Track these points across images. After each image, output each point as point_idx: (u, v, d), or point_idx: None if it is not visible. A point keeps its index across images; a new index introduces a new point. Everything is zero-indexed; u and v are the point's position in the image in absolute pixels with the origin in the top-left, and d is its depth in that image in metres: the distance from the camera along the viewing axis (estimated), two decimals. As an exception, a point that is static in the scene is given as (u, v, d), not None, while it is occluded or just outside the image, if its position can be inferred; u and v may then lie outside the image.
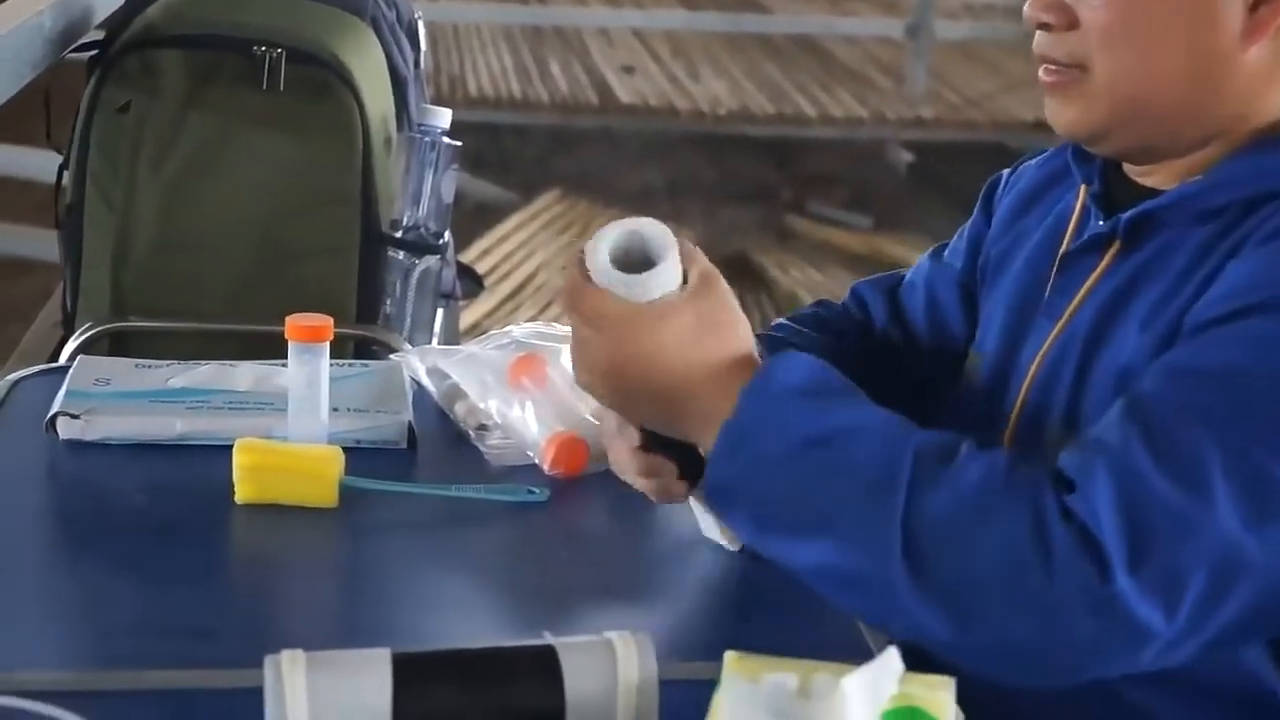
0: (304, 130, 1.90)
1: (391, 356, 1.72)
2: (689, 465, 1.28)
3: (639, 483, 1.34)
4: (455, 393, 1.65)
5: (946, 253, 1.58)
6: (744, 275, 5.12)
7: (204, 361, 1.67)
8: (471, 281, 2.35)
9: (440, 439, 1.62)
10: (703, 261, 1.26)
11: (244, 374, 1.65)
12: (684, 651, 1.21)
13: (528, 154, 6.49)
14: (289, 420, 1.53)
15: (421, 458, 1.59)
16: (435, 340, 2.07)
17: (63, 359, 1.86)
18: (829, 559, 1.15)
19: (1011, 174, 1.55)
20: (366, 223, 1.92)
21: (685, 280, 1.23)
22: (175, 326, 1.90)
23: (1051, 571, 1.08)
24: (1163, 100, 1.29)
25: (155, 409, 1.58)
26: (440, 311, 2.18)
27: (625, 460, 1.34)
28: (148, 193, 1.89)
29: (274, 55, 1.86)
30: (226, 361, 1.67)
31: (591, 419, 1.53)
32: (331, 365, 1.66)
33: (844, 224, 6.01)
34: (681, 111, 6.75)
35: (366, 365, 1.71)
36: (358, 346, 1.93)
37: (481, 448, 1.58)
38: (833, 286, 5.01)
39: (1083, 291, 1.35)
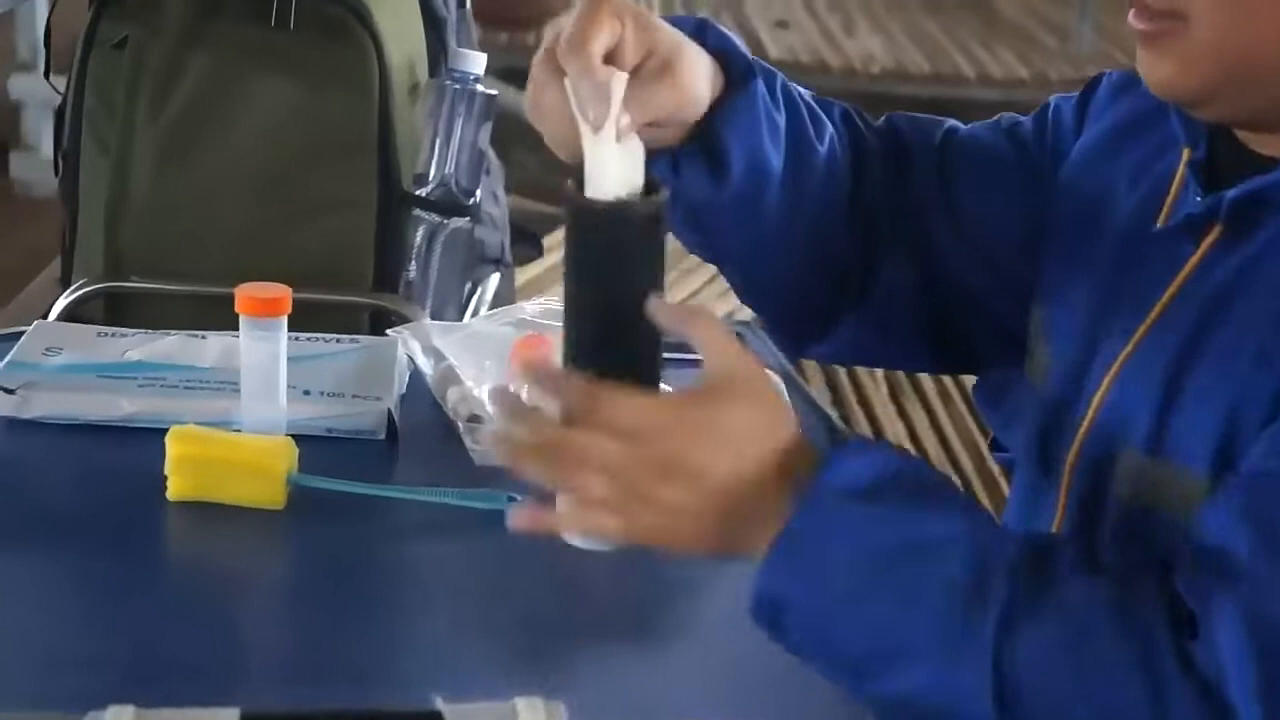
0: (314, 72, 1.68)
1: (389, 331, 1.51)
2: None
3: None
4: (449, 377, 1.45)
5: (1020, 127, 1.30)
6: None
7: (171, 332, 1.48)
8: (528, 245, 2.14)
9: (427, 431, 1.42)
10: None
11: (212, 347, 1.46)
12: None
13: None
14: (241, 405, 1.33)
15: (402, 452, 1.39)
16: (479, 314, 1.85)
17: (51, 320, 1.68)
18: (901, 690, 0.97)
19: (1116, 86, 1.27)
20: (384, 177, 1.71)
21: None
22: (172, 289, 1.71)
23: None
24: (1274, 63, 1.04)
25: (102, 385, 1.40)
26: (494, 278, 1.97)
27: None
28: (145, 139, 1.70)
29: (284, -12, 1.67)
30: (196, 332, 1.48)
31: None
32: (316, 340, 1.47)
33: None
34: (833, 68, 6.48)
35: (356, 341, 1.51)
36: (373, 318, 1.72)
37: (468, 442, 1.37)
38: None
39: (1174, 286, 1.10)
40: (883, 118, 1.33)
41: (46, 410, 1.38)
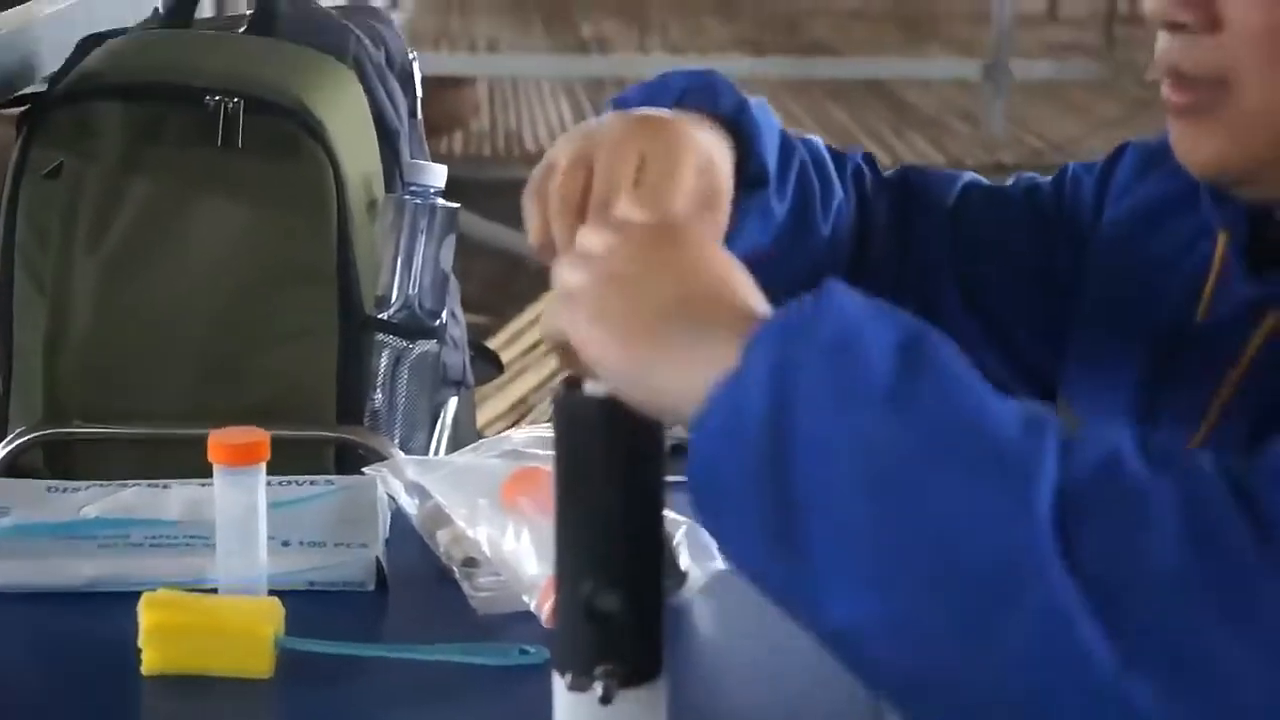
0: (267, 194, 1.57)
1: (365, 470, 1.40)
2: None
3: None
4: (438, 517, 1.33)
5: (1042, 194, 1.22)
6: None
7: (130, 483, 1.35)
8: (488, 364, 2.02)
9: (419, 578, 1.29)
10: None
11: (175, 498, 1.33)
12: None
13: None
14: (217, 563, 1.20)
15: (393, 604, 1.27)
16: (441, 441, 1.74)
17: (-11, 473, 1.55)
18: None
19: (1138, 160, 1.18)
20: (345, 302, 1.59)
21: None
22: (119, 433, 1.58)
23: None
24: None
25: (60, 548, 1.27)
26: (453, 402, 1.85)
27: None
28: (83, 272, 1.57)
29: (230, 105, 1.54)
30: (156, 483, 1.36)
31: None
32: (287, 483, 1.35)
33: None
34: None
35: (331, 482, 1.39)
36: (339, 453, 1.60)
37: (467, 589, 1.25)
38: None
39: (1229, 385, 1.01)
40: (897, 169, 1.26)
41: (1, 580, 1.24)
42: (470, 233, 1.44)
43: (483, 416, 3.26)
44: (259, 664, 1.12)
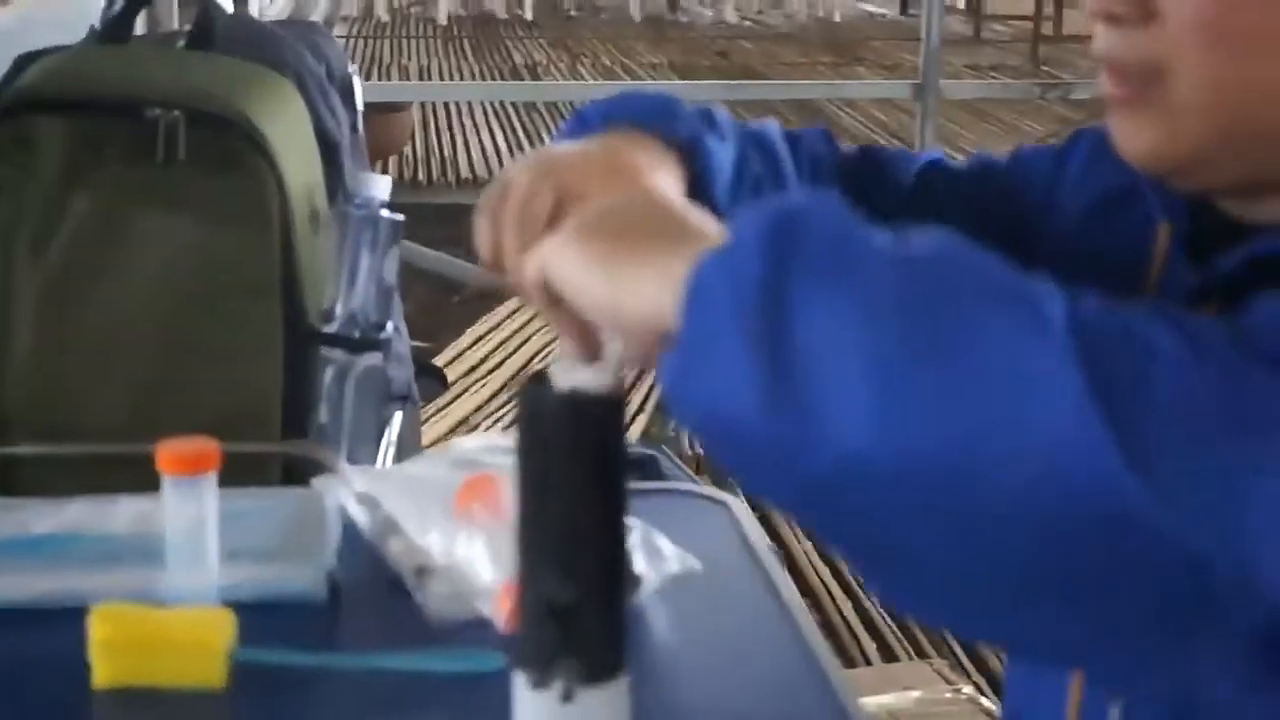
0: (209, 208, 1.55)
1: (313, 481, 1.38)
2: None
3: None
4: (390, 526, 1.32)
5: (1003, 165, 1.23)
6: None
7: (77, 499, 1.34)
8: (433, 380, 2.01)
9: (371, 588, 1.28)
10: None
11: (122, 513, 1.31)
12: None
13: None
14: (167, 575, 1.19)
15: (345, 614, 1.26)
16: (386, 456, 1.72)
17: (-70, 495, 1.52)
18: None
19: (1089, 147, 1.18)
20: (290, 316, 1.58)
21: None
22: (65, 451, 1.55)
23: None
24: (1276, 116, 0.94)
25: (6, 565, 1.25)
26: (398, 416, 1.84)
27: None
28: (24, 290, 1.54)
29: (170, 119, 1.52)
30: (103, 496, 1.34)
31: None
32: (234, 495, 1.33)
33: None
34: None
35: (280, 494, 1.37)
36: (286, 467, 1.58)
37: (419, 597, 1.24)
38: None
39: None
40: (857, 148, 1.26)
41: (-56, 596, 1.22)
42: (406, 258, 1.43)
43: (426, 437, 3.24)
44: (211, 675, 1.10)
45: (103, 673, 1.11)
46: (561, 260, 0.84)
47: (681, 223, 0.84)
